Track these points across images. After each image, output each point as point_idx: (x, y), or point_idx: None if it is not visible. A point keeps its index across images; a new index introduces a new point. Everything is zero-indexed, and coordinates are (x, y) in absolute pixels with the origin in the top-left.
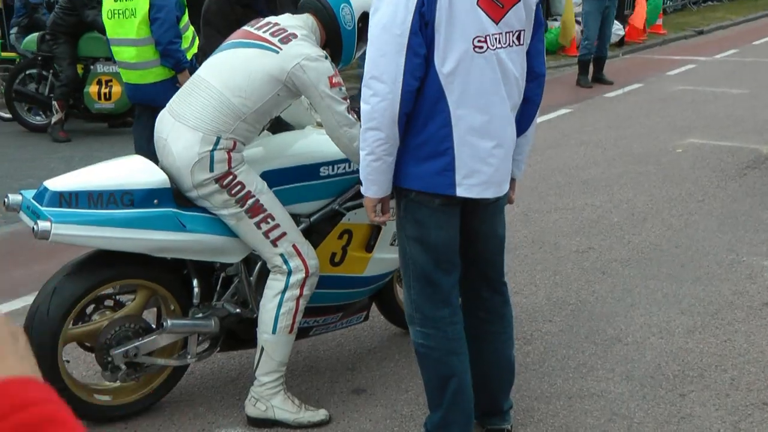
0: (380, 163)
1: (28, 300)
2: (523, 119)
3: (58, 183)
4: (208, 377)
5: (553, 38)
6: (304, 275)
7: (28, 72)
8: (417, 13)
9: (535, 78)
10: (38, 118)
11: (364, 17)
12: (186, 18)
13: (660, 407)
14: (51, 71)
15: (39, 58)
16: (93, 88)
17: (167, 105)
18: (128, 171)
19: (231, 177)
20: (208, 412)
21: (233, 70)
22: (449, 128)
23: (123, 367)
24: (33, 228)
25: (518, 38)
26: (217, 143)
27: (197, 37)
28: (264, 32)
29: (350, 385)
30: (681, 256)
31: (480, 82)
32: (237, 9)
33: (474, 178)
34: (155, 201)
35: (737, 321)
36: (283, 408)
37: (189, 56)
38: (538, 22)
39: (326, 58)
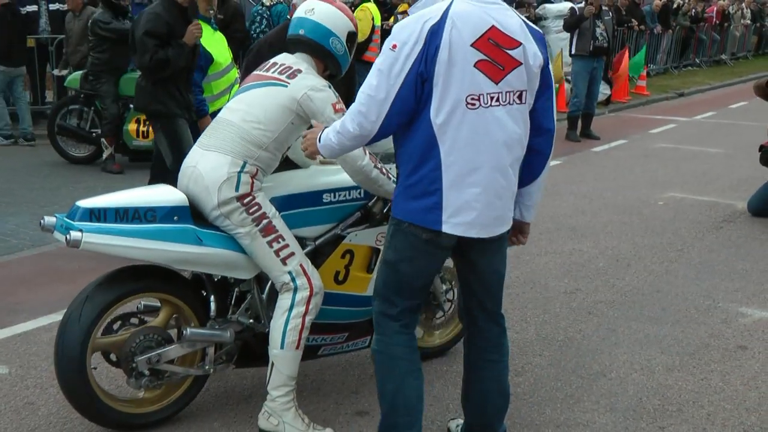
0: (338, 150)
1: (53, 318)
2: (532, 169)
3: (89, 201)
4: (222, 395)
5: None
6: (308, 293)
7: (70, 107)
8: (414, 69)
9: (543, 133)
10: (77, 150)
11: (351, 35)
12: (221, 65)
13: None
14: (92, 108)
15: (81, 95)
16: (132, 126)
17: (196, 142)
18: (151, 192)
19: (251, 198)
20: (222, 427)
21: (251, 107)
22: (439, 172)
23: (146, 373)
24: (66, 237)
25: (519, 97)
26: (243, 167)
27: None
28: (273, 72)
29: (354, 408)
30: (661, 300)
31: (470, 135)
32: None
33: (458, 218)
34: (175, 218)
35: (713, 361)
36: (293, 425)
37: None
38: (546, 84)
39: (329, 87)
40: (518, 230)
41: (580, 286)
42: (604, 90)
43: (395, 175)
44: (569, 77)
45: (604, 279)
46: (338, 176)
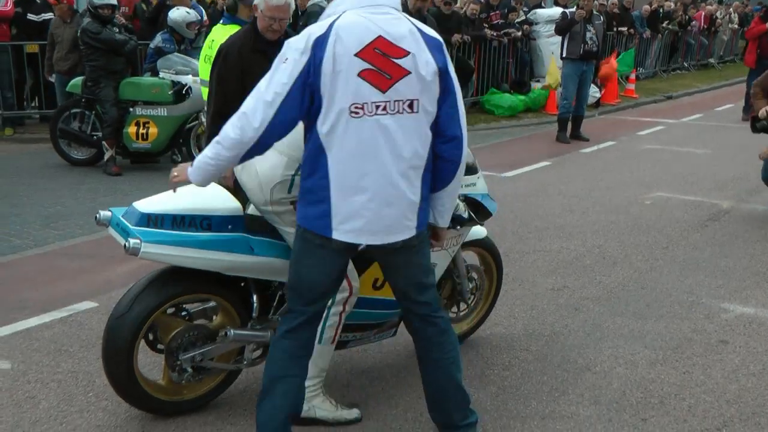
0: (213, 168)
1: (55, 315)
2: (442, 177)
3: (146, 205)
4: None
5: (536, 97)
6: (348, 294)
7: (72, 111)
8: (300, 80)
9: (449, 140)
10: (79, 153)
11: None
12: None
13: (624, 430)
14: (93, 111)
15: (83, 99)
16: (132, 129)
17: None
18: (206, 198)
19: None
20: (217, 420)
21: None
22: (327, 180)
23: (189, 370)
24: (124, 245)
25: (410, 106)
26: (298, 170)
27: None
28: None
29: (345, 400)
30: (646, 296)
31: (355, 143)
32: None
33: (347, 225)
34: (229, 226)
35: (695, 355)
36: (322, 407)
37: None
38: (448, 90)
39: None
40: (433, 234)
41: (567, 283)
42: (593, 93)
43: None
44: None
45: (591, 276)
46: None
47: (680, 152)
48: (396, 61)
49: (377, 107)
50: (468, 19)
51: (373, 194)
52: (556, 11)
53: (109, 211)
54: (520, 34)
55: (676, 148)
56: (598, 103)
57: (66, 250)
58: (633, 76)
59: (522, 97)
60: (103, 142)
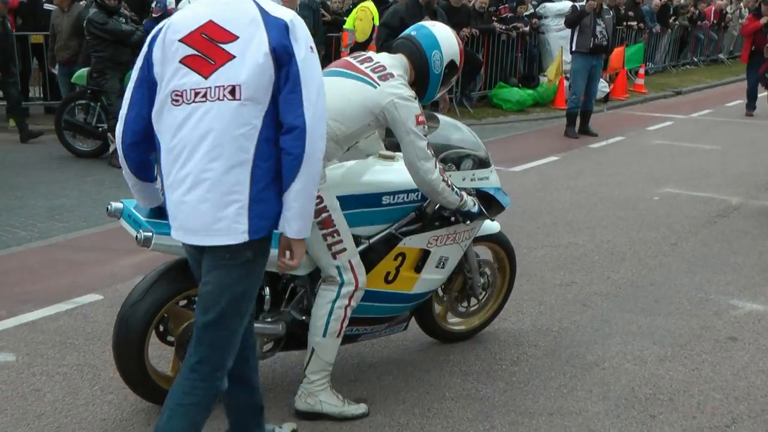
0: (133, 186)
1: (60, 308)
2: (284, 173)
3: None
4: None
5: (544, 92)
6: (353, 288)
7: (77, 102)
8: (140, 75)
9: (288, 130)
10: (84, 145)
11: (451, 65)
12: None
13: (632, 426)
14: (99, 103)
15: (88, 90)
16: None
17: None
18: None
19: None
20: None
21: (334, 96)
22: (162, 176)
23: None
24: (136, 237)
25: (232, 93)
26: None
27: None
28: (366, 67)
29: (353, 395)
30: (655, 292)
31: (172, 134)
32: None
33: (175, 223)
34: None
35: (704, 352)
36: (329, 402)
37: None
38: (289, 74)
39: (415, 99)
40: (283, 246)
41: (575, 279)
42: (602, 87)
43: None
44: (568, 75)
45: (599, 272)
46: (398, 178)
47: (689, 148)
48: (222, 45)
49: (196, 94)
50: (477, 12)
51: (187, 188)
52: (565, 5)
53: (121, 202)
54: (528, 27)
55: (685, 143)
56: (607, 98)
57: (71, 242)
58: (642, 71)
59: (530, 92)
60: (109, 134)
